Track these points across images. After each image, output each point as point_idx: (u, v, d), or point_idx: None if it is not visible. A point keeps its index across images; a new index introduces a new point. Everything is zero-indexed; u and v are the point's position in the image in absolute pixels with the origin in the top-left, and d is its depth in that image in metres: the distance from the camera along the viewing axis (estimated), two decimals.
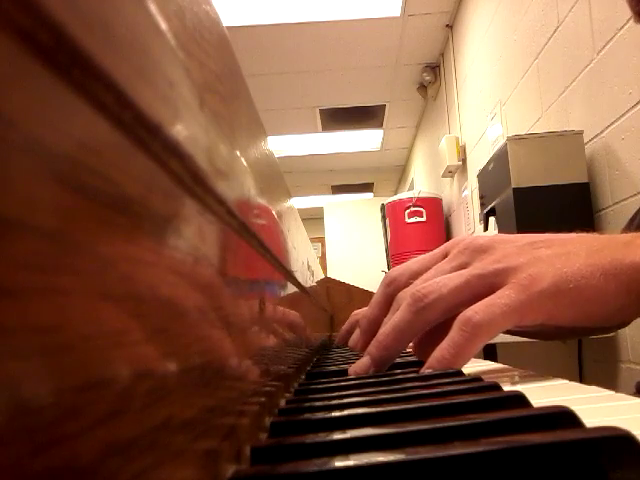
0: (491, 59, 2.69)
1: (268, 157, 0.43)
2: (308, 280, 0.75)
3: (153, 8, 0.15)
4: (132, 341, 0.12)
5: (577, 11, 1.72)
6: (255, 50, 3.46)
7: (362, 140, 5.21)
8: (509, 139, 1.72)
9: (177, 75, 0.17)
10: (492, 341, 0.42)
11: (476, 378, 0.33)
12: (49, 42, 0.10)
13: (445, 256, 0.47)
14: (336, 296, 1.51)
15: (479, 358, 0.62)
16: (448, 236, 3.83)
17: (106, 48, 0.12)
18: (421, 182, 4.96)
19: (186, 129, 0.17)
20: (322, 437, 0.22)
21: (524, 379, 0.41)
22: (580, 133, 1.68)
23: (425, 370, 0.40)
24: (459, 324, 0.39)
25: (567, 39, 1.81)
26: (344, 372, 0.47)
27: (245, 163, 0.28)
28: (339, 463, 0.18)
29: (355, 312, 0.63)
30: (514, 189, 1.66)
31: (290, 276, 0.50)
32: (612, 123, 1.56)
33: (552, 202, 1.64)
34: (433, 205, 3.83)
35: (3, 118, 0.08)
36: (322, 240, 6.09)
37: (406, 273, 0.48)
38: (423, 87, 4.11)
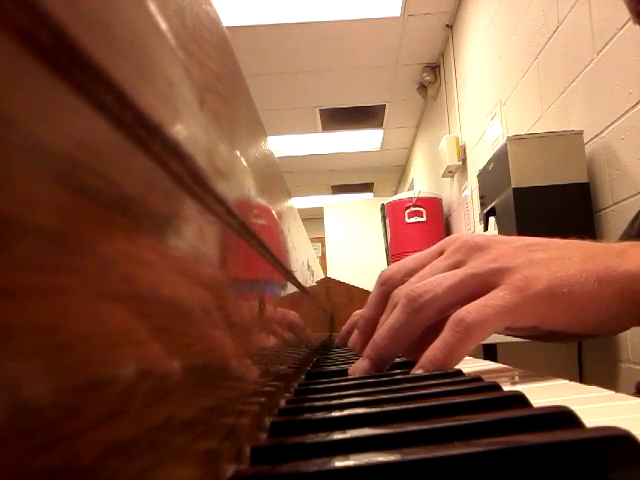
0: (491, 59, 2.69)
1: (268, 157, 0.43)
2: (308, 280, 0.75)
3: (153, 8, 0.15)
4: (132, 341, 0.12)
5: (577, 11, 1.72)
6: (255, 50, 3.46)
7: (362, 140, 5.21)
8: (509, 139, 1.72)
9: (177, 75, 0.17)
10: (492, 341, 0.42)
11: (476, 378, 0.33)
12: (49, 42, 0.10)
13: (441, 254, 0.47)
14: (336, 296, 1.51)
15: (479, 358, 0.62)
16: (448, 236, 3.83)
17: (106, 48, 0.12)
18: (421, 182, 4.96)
19: (186, 129, 0.17)
20: (322, 437, 0.22)
21: (524, 379, 0.41)
22: (580, 133, 1.68)
23: (417, 370, 0.40)
24: (452, 324, 0.39)
25: (567, 39, 1.81)
26: (344, 372, 0.47)
27: (245, 163, 0.28)
28: (339, 463, 0.18)
29: (355, 312, 0.63)
30: (514, 189, 1.66)
31: (290, 276, 0.50)
32: (612, 123, 1.56)
33: (552, 202, 1.64)
34: (433, 205, 3.83)
35: (3, 118, 0.08)
36: (322, 240, 6.09)
37: (401, 271, 0.48)
38: (423, 87, 4.11)
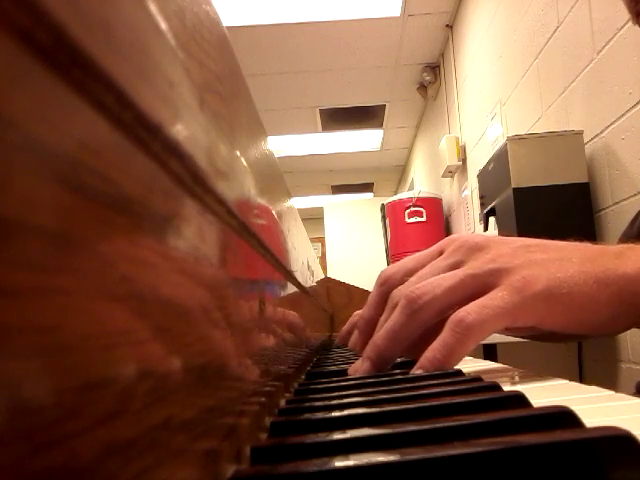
0: (491, 59, 2.69)
1: (268, 157, 0.43)
2: (308, 280, 0.75)
3: (153, 8, 0.15)
4: (132, 341, 0.12)
5: (577, 11, 1.72)
6: (255, 50, 3.46)
7: (362, 140, 5.20)
8: (509, 139, 1.72)
9: (177, 75, 0.17)
10: (492, 341, 0.42)
11: (476, 378, 0.33)
12: (49, 42, 0.10)
13: (440, 254, 0.47)
14: (336, 296, 1.51)
15: (479, 358, 0.62)
16: (448, 236, 3.83)
17: (106, 48, 0.12)
18: (421, 182, 4.96)
19: (186, 129, 0.17)
20: (322, 437, 0.22)
21: (524, 379, 0.41)
22: (580, 133, 1.68)
23: (416, 370, 0.40)
24: (451, 325, 0.39)
25: (567, 39, 1.81)
26: (344, 372, 0.47)
27: (245, 163, 0.28)
28: (339, 463, 0.18)
29: (356, 312, 0.63)
30: (514, 189, 1.66)
31: (290, 276, 0.50)
32: (612, 123, 1.56)
33: (552, 202, 1.64)
34: (433, 205, 3.83)
35: (3, 118, 0.08)
36: (322, 240, 6.09)
37: (401, 271, 0.48)
38: (423, 87, 4.11)
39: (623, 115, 1.51)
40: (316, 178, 6.18)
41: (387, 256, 3.98)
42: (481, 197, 2.06)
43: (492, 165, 1.88)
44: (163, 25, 0.16)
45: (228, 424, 0.20)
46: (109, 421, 0.11)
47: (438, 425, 0.21)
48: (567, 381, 0.38)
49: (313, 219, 6.53)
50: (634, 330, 0.45)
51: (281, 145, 5.03)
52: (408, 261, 0.50)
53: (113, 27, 0.12)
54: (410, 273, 0.47)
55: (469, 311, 0.39)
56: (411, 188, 5.19)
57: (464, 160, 3.32)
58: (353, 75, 3.96)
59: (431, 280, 0.43)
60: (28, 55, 0.09)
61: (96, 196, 0.11)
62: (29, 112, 0.09)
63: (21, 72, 0.09)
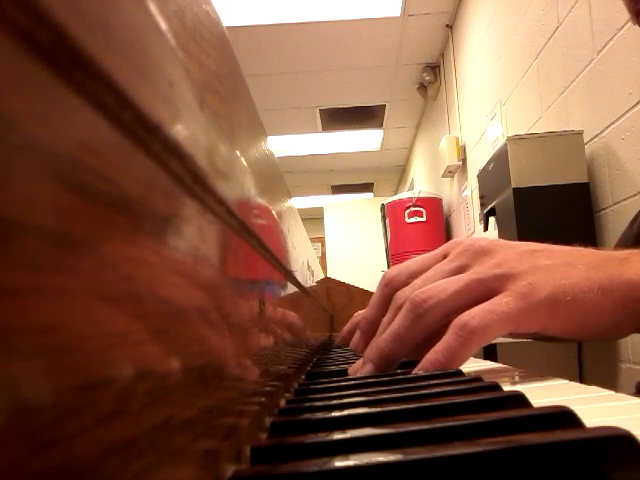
0: (491, 59, 2.69)
1: (268, 157, 0.43)
2: (308, 280, 0.75)
3: (153, 8, 0.15)
4: (132, 341, 0.12)
5: (577, 11, 1.72)
6: (255, 50, 3.46)
7: (362, 140, 5.20)
8: (509, 139, 1.72)
9: (177, 75, 0.17)
10: (492, 341, 0.42)
11: (476, 378, 0.33)
12: (49, 42, 0.10)
13: (445, 257, 0.47)
14: (336, 296, 1.51)
15: (479, 358, 0.62)
16: (448, 236, 3.83)
17: (106, 48, 0.12)
18: (421, 182, 4.96)
19: (186, 129, 0.17)
20: (322, 437, 0.22)
21: (524, 379, 0.41)
22: (580, 133, 1.68)
23: (418, 371, 0.40)
24: (455, 328, 0.39)
25: (567, 39, 1.81)
26: (344, 372, 0.48)
27: (245, 163, 0.28)
28: (339, 463, 0.18)
29: (357, 313, 0.63)
30: (514, 189, 1.66)
31: (290, 276, 0.50)
32: (612, 123, 1.56)
33: (552, 202, 1.64)
34: (433, 205, 3.83)
35: (3, 118, 0.08)
36: (322, 240, 6.09)
37: (405, 273, 0.48)
38: (423, 87, 4.11)
39: (623, 115, 1.51)
40: (316, 178, 6.18)
41: (387, 256, 3.98)
42: (481, 197, 2.06)
43: (492, 165, 1.88)
44: (163, 25, 0.16)
45: (228, 424, 0.20)
46: (109, 421, 0.11)
47: (438, 425, 0.21)
48: (567, 381, 0.38)
49: (313, 219, 6.53)
50: None
51: (281, 145, 5.03)
52: (412, 263, 0.50)
53: (113, 27, 0.12)
54: (414, 275, 0.47)
55: (473, 315, 0.39)
56: (411, 188, 5.19)
57: (464, 160, 3.32)
58: (353, 75, 3.96)
59: (436, 284, 0.43)
60: (28, 55, 0.09)
61: (96, 196, 0.11)
62: (29, 112, 0.09)
63: (21, 72, 0.09)
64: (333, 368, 0.55)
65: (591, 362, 1.78)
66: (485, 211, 1.97)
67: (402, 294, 0.45)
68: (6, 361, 0.08)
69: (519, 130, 2.17)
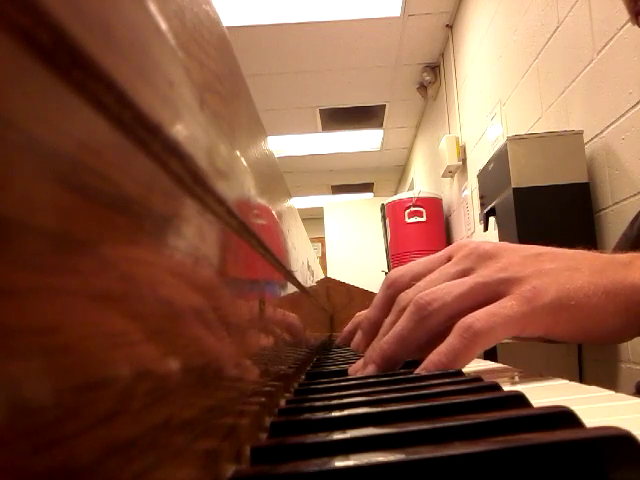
0: (491, 59, 2.69)
1: (268, 157, 0.43)
2: (308, 280, 0.75)
3: (153, 8, 0.15)
4: (132, 341, 0.12)
5: (577, 11, 1.72)
6: (255, 50, 3.46)
7: (362, 140, 5.20)
8: (509, 139, 1.72)
9: (177, 75, 0.17)
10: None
11: (476, 378, 0.33)
12: (49, 42, 0.10)
13: (449, 259, 0.47)
14: (336, 296, 1.51)
15: (479, 358, 0.62)
16: (448, 236, 3.84)
17: (106, 48, 0.12)
18: (421, 182, 4.96)
19: (186, 129, 0.17)
20: (322, 437, 0.22)
21: (524, 379, 0.41)
22: (580, 133, 1.68)
23: (420, 372, 0.40)
24: (459, 330, 0.39)
25: (567, 39, 1.81)
26: (344, 372, 0.48)
27: (245, 163, 0.28)
28: (339, 463, 0.18)
29: (358, 313, 0.63)
30: (514, 189, 1.66)
31: (290, 276, 0.50)
32: (612, 123, 1.56)
33: (552, 202, 1.64)
34: (433, 205, 3.83)
35: (3, 118, 0.08)
36: (322, 240, 6.09)
37: (408, 274, 0.48)
38: (423, 87, 4.10)
39: (623, 115, 1.51)
40: (316, 178, 6.18)
41: (387, 256, 3.98)
42: (481, 197, 2.06)
43: (492, 165, 1.88)
44: (163, 25, 0.16)
45: (228, 424, 0.20)
46: (109, 421, 0.11)
47: (438, 425, 0.21)
48: (567, 381, 0.38)
49: (313, 219, 6.53)
50: None
51: (281, 145, 5.03)
52: (415, 265, 0.50)
53: (113, 27, 0.12)
54: (417, 277, 0.47)
55: (478, 317, 0.39)
56: (411, 188, 5.19)
57: (464, 160, 3.32)
58: (353, 75, 3.96)
59: (441, 286, 0.43)
60: (28, 55, 0.09)
61: (96, 196, 0.11)
62: (29, 112, 0.09)
63: (21, 72, 0.09)
64: (333, 368, 0.55)
65: (591, 362, 1.78)
66: (485, 211, 1.97)
67: (405, 296, 0.45)
68: (6, 361, 0.08)
69: (519, 130, 2.17)
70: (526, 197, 1.65)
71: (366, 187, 6.72)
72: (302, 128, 4.81)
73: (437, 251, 0.51)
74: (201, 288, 0.18)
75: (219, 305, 0.20)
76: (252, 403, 0.25)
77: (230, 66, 0.29)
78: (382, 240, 4.14)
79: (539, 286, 0.40)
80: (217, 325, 0.20)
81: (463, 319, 0.39)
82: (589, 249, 0.46)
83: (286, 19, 3.21)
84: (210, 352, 0.19)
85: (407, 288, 0.46)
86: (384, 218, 3.99)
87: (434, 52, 3.77)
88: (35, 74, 0.09)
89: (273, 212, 0.40)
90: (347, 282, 1.58)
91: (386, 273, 3.57)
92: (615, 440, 0.17)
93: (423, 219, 3.75)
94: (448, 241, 3.74)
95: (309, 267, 0.80)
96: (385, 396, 0.31)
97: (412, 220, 3.76)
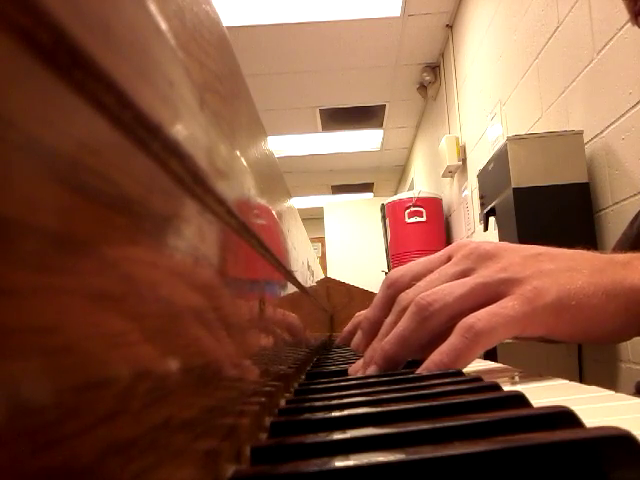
0: (491, 59, 2.69)
1: (268, 157, 0.43)
2: (308, 280, 0.75)
3: (153, 8, 0.15)
4: (132, 341, 0.12)
5: (577, 11, 1.72)
6: (255, 50, 3.46)
7: (362, 140, 5.21)
8: (509, 139, 1.72)
9: (177, 75, 0.17)
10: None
11: (476, 378, 0.33)
12: (49, 42, 0.10)
13: (449, 259, 0.47)
14: (336, 296, 1.51)
15: (479, 358, 0.62)
16: (448, 236, 3.84)
17: (106, 48, 0.12)
18: (421, 182, 4.96)
19: (186, 129, 0.17)
20: (322, 437, 0.22)
21: (524, 379, 0.41)
22: (580, 133, 1.68)
23: (421, 372, 0.40)
24: (461, 330, 0.39)
25: (567, 39, 1.81)
26: (344, 372, 0.48)
27: (245, 163, 0.28)
28: (339, 463, 0.18)
29: (358, 313, 0.63)
30: (514, 189, 1.66)
31: (290, 276, 0.50)
32: (612, 123, 1.56)
33: (552, 202, 1.64)
34: (433, 205, 3.83)
35: (3, 118, 0.08)
36: (322, 240, 6.09)
37: (408, 274, 0.48)
38: (423, 87, 4.11)
39: (623, 115, 1.51)
40: (316, 178, 6.18)
41: (387, 256, 3.98)
42: (481, 197, 2.06)
43: (492, 165, 1.88)
44: (163, 25, 0.16)
45: (228, 424, 0.20)
46: (109, 421, 0.11)
47: (438, 425, 0.21)
48: (567, 381, 0.38)
49: (313, 219, 6.53)
50: None
51: (281, 145, 5.03)
52: (415, 265, 0.50)
53: (113, 27, 0.12)
54: (418, 277, 0.47)
55: (479, 317, 0.39)
56: (411, 188, 5.19)
57: (464, 160, 3.32)
58: (353, 75, 3.96)
59: (442, 287, 0.43)
60: (28, 55, 0.09)
61: (96, 196, 0.11)
62: (29, 112, 0.09)
63: (21, 72, 0.09)
64: (333, 368, 0.55)
65: (591, 362, 1.78)
66: (485, 211, 1.97)
67: (406, 296, 0.45)
68: (6, 361, 0.08)
69: (519, 130, 2.17)
70: (526, 197, 1.65)
71: (366, 187, 6.72)
72: (302, 128, 4.81)
73: (437, 251, 0.51)
74: (201, 288, 0.18)
75: (219, 305, 0.20)
76: (252, 403, 0.25)
77: (230, 66, 0.29)
78: (382, 240, 4.14)
79: (540, 286, 0.41)
80: (217, 325, 0.20)
81: (465, 319, 0.39)
82: (589, 249, 0.46)
83: (286, 19, 3.22)
84: (210, 352, 0.19)
85: (407, 288, 0.46)
86: (384, 218, 3.99)
87: (434, 52, 3.77)
88: (35, 74, 0.09)
89: (273, 212, 0.40)
90: (347, 282, 1.58)
91: (386, 273, 3.57)
92: (615, 440, 0.17)
93: (423, 219, 3.75)
94: (448, 241, 3.74)
95: (309, 267, 0.80)
96: (385, 396, 0.31)
97: (412, 220, 3.76)
